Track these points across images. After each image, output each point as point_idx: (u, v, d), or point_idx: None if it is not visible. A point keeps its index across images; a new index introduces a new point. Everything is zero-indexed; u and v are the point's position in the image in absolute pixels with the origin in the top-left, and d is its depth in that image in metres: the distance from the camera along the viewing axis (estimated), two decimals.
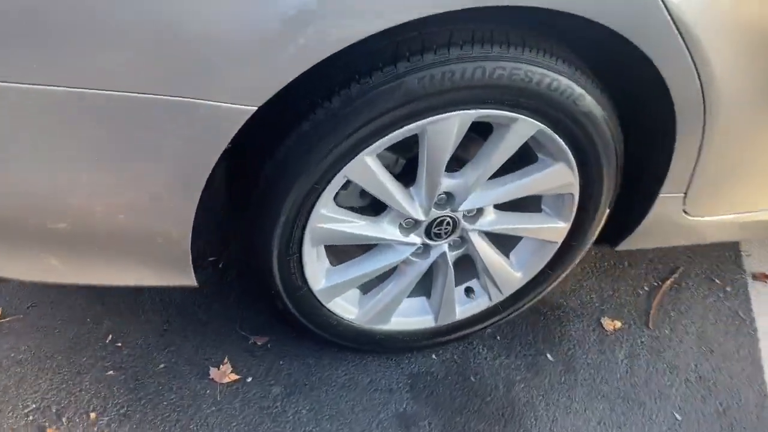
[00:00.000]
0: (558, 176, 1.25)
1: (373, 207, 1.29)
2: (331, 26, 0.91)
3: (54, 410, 1.34)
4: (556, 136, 1.18)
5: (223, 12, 0.87)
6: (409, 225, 1.27)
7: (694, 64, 1.11)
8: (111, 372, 1.42)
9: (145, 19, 0.85)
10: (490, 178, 1.27)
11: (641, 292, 1.77)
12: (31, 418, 1.32)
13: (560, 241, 1.39)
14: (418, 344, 1.50)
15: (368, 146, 1.09)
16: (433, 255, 1.34)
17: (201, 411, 1.37)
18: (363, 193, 1.26)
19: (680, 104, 1.18)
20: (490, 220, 1.33)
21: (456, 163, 1.23)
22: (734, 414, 1.50)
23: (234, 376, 1.44)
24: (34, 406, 1.34)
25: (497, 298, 1.47)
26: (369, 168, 1.12)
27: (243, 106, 0.95)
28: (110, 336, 1.49)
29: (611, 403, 1.49)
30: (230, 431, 1.35)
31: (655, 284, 1.80)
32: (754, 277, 1.85)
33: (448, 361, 1.54)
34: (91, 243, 1.11)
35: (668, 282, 1.80)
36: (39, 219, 1.06)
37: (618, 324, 1.67)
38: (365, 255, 1.32)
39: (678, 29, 1.05)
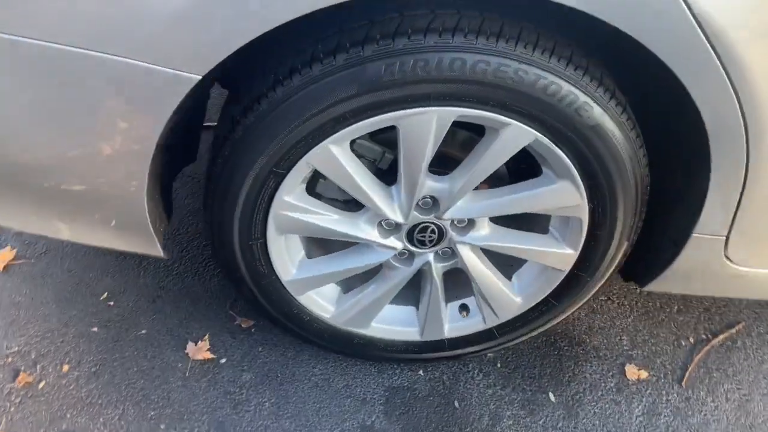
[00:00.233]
0: (560, 195, 1.09)
1: (357, 202, 1.19)
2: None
3: (33, 356, 1.37)
4: (557, 150, 1.03)
5: None
6: (390, 227, 1.17)
7: (730, 80, 0.92)
8: (95, 329, 1.43)
9: None
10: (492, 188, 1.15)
11: (684, 344, 1.54)
12: (9, 359, 1.36)
13: (566, 269, 1.22)
14: (401, 356, 1.39)
15: (333, 134, 1.00)
16: (417, 263, 1.22)
17: (167, 383, 1.35)
18: None
19: (715, 129, 0.99)
20: (484, 234, 1.19)
21: (449, 166, 1.11)
22: None
23: (209, 355, 1.40)
24: (16, 348, 1.39)
25: (492, 321, 1.32)
26: (335, 158, 1.03)
27: (185, 73, 0.89)
28: (105, 293, 1.50)
29: None
30: (189, 409, 1.32)
31: (704, 337, 1.56)
32: None
33: (435, 380, 1.41)
34: (56, 198, 1.11)
35: (721, 337, 1.56)
36: (13, 170, 1.07)
37: (644, 374, 1.46)
38: (342, 252, 1.23)
39: (704, 33, 0.87)
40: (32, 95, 0.93)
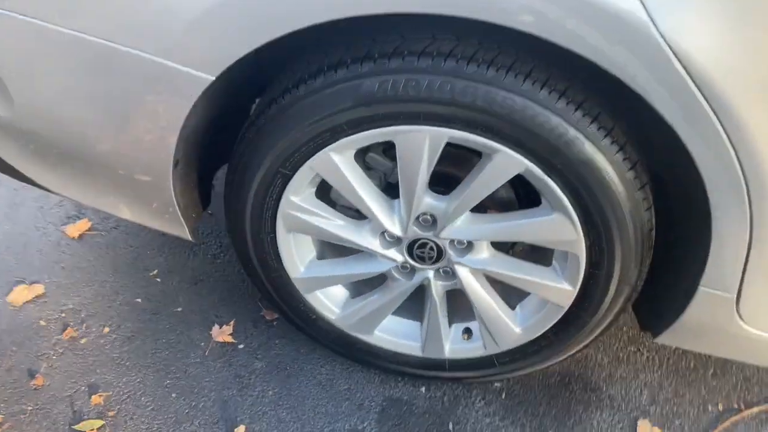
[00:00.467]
0: (554, 228, 1.09)
1: None
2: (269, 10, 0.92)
3: (82, 315, 1.55)
4: (550, 181, 1.03)
5: None
6: (392, 239, 1.22)
7: (723, 128, 0.89)
8: (139, 300, 1.59)
9: None
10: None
11: (711, 409, 1.45)
12: (62, 314, 1.55)
13: (566, 306, 1.20)
14: (401, 369, 1.42)
15: (333, 142, 1.07)
16: (417, 278, 1.26)
17: (187, 358, 1.47)
18: None
19: (711, 179, 0.96)
20: (482, 258, 1.21)
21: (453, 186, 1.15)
22: None
23: (229, 339, 1.51)
24: (70, 306, 1.57)
25: (492, 349, 1.32)
26: (335, 165, 1.10)
27: (200, 73, 1.00)
28: (156, 270, 1.66)
29: None
30: (200, 384, 1.43)
31: (737, 407, 1.45)
32: None
33: (435, 399, 1.43)
34: (109, 178, 1.26)
35: (756, 409, 1.45)
36: (70, 144, 1.24)
37: None
38: (348, 257, 1.30)
39: (692, 79, 0.85)
40: (85, 86, 1.08)
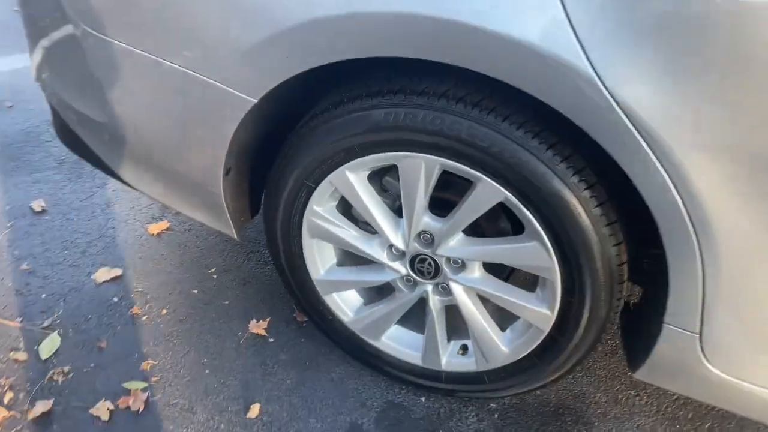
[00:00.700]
0: (531, 255, 1.23)
1: None
2: (294, 49, 1.15)
3: (147, 297, 1.82)
4: (526, 211, 1.18)
5: (233, 23, 1.19)
6: (397, 252, 1.40)
7: (666, 171, 1.02)
8: (195, 291, 1.85)
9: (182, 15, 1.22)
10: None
11: None
12: (133, 295, 1.83)
13: (545, 330, 1.32)
14: (403, 376, 1.57)
15: (347, 162, 1.28)
16: (418, 291, 1.43)
17: (224, 343, 1.70)
18: None
19: (661, 218, 1.07)
20: (474, 278, 1.36)
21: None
22: None
23: (262, 332, 1.73)
24: (140, 289, 1.85)
25: (483, 365, 1.45)
26: (350, 182, 1.31)
27: (245, 96, 1.25)
28: (214, 268, 1.92)
29: None
30: (231, 366, 1.64)
31: None
32: None
33: (432, 409, 1.57)
34: (176, 178, 1.53)
35: None
36: (146, 148, 1.52)
37: None
38: (361, 266, 1.48)
39: (635, 127, 0.99)
40: (159, 102, 1.36)
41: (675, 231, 1.07)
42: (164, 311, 1.79)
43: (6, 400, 1.54)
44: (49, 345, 1.67)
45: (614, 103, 0.98)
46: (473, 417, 1.55)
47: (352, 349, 1.61)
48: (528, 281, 1.41)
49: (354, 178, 1.31)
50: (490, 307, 1.41)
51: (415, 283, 1.43)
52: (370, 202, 1.33)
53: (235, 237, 1.55)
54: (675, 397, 1.61)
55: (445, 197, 1.33)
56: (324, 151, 1.28)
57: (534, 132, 1.13)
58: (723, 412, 1.56)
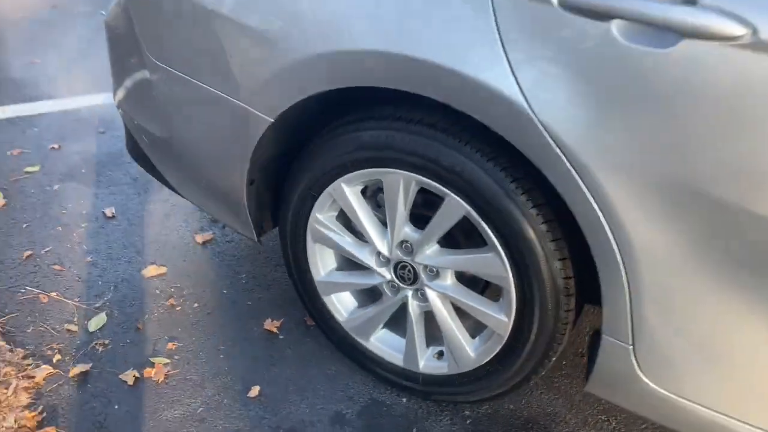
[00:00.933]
0: (489, 264, 1.41)
1: None
2: (294, 80, 1.42)
3: (184, 292, 2.10)
4: (484, 226, 1.37)
5: (255, 57, 1.47)
6: (384, 259, 1.61)
7: (587, 189, 1.19)
8: (224, 291, 2.11)
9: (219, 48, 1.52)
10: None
11: None
12: (172, 289, 2.11)
13: (504, 336, 1.48)
14: (387, 375, 1.74)
15: (342, 175, 1.52)
16: (400, 295, 1.62)
17: (240, 334, 1.94)
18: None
19: (588, 233, 1.24)
20: (446, 285, 1.54)
21: None
22: None
23: (275, 330, 1.96)
24: (179, 285, 2.13)
25: (453, 369, 1.62)
26: (345, 194, 1.54)
27: (263, 115, 1.52)
28: (244, 274, 2.19)
29: None
30: (242, 354, 1.88)
31: None
32: None
33: (411, 409, 1.73)
34: (201, 179, 1.82)
35: None
36: (190, 159, 1.83)
37: None
38: (355, 271, 1.70)
39: (565, 155, 1.17)
40: (200, 117, 1.67)
41: (602, 246, 1.23)
42: (195, 305, 2.05)
43: (54, 360, 1.83)
44: (97, 321, 1.96)
45: (542, 128, 1.18)
46: (447, 420, 1.70)
47: (346, 347, 1.81)
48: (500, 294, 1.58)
49: (348, 191, 1.54)
50: (471, 320, 1.57)
51: (398, 288, 1.62)
52: (361, 213, 1.56)
53: (256, 240, 1.81)
54: (644, 425, 1.70)
55: (429, 214, 1.54)
56: (324, 166, 1.53)
57: (489, 156, 1.33)
58: None
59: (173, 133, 1.79)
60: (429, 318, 1.64)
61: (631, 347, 1.32)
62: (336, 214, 1.65)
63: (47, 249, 2.27)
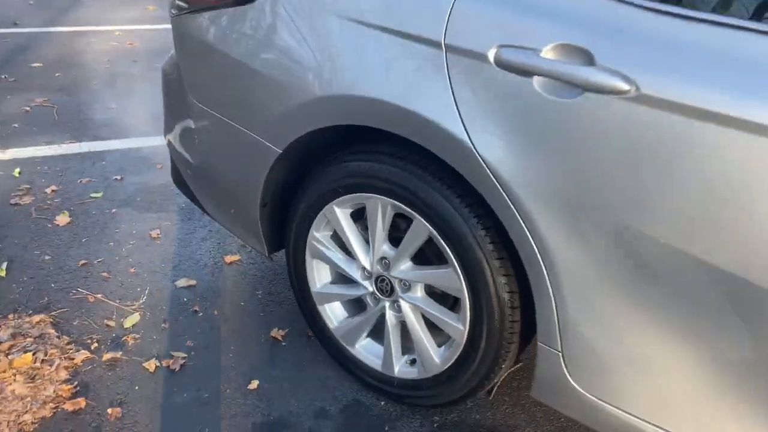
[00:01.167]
0: (447, 279, 1.66)
1: None
2: (296, 119, 1.74)
3: (209, 301, 2.41)
4: (444, 245, 1.63)
5: (266, 97, 1.81)
6: (368, 273, 1.88)
7: (516, 210, 1.44)
8: (242, 303, 2.42)
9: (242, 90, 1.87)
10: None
11: None
12: (198, 298, 2.43)
13: (462, 343, 1.71)
14: (369, 380, 1.98)
15: (334, 199, 1.82)
16: (380, 306, 1.88)
17: (249, 338, 2.23)
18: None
19: (520, 249, 1.48)
20: (417, 297, 1.79)
21: None
22: None
23: (279, 338, 2.23)
24: (205, 295, 2.45)
25: (422, 374, 1.84)
26: (336, 216, 1.84)
27: (272, 146, 1.85)
28: (261, 291, 2.49)
29: None
30: (248, 356, 2.15)
31: None
32: None
33: (386, 411, 1.96)
34: (223, 200, 2.15)
35: None
36: (218, 186, 2.17)
37: None
38: (344, 284, 1.97)
39: (500, 185, 1.43)
40: (224, 147, 2.01)
41: (530, 260, 1.47)
42: (216, 312, 2.36)
43: (92, 347, 2.16)
44: (131, 319, 2.29)
45: (482, 161, 1.45)
46: (417, 422, 1.92)
47: (335, 353, 2.06)
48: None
49: (339, 212, 1.84)
50: (444, 335, 1.81)
51: (378, 300, 1.88)
52: (349, 232, 1.85)
53: (267, 256, 2.11)
54: None
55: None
56: (319, 190, 1.84)
57: (448, 184, 1.61)
58: None
59: (206, 162, 2.14)
60: (406, 329, 1.88)
61: (560, 353, 1.53)
62: (331, 233, 1.94)
63: (99, 260, 2.64)
